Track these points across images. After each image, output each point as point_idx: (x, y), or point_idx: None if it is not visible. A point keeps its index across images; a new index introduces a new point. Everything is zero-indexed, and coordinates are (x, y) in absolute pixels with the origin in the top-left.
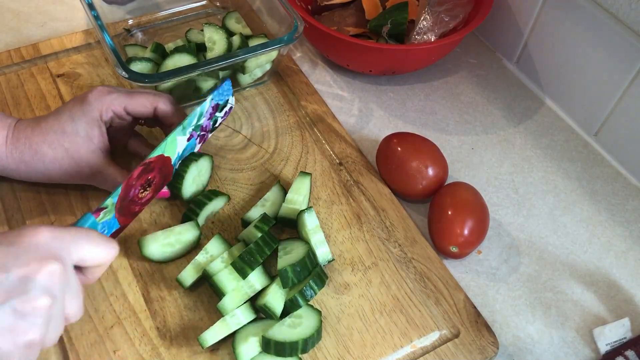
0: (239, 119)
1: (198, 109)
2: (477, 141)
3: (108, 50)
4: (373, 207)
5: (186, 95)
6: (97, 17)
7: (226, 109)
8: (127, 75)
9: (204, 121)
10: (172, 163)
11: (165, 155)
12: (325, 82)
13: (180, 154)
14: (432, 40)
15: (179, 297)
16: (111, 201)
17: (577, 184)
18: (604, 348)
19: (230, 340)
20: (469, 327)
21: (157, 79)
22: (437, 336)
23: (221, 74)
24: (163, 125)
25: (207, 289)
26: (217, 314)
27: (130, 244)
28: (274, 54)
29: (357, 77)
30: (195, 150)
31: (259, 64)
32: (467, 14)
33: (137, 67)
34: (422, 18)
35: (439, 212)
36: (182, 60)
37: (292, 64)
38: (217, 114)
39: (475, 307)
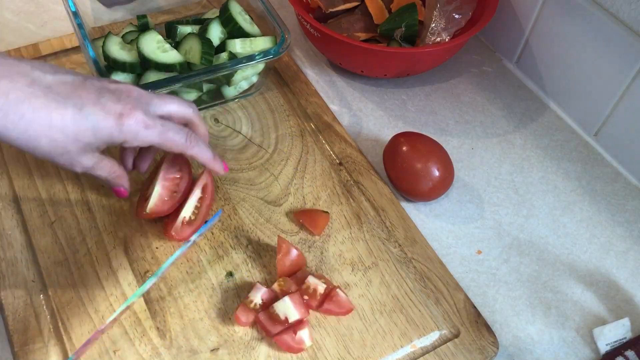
0: (239, 119)
1: (173, 256)
2: (477, 141)
3: (90, 60)
4: (373, 207)
5: None
6: (80, 26)
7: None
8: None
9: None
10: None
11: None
12: (325, 82)
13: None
14: (447, 39)
15: (179, 297)
16: None
17: (577, 184)
18: (604, 348)
19: (229, 341)
20: (469, 327)
21: None
22: (437, 336)
23: (205, 86)
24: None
25: (207, 289)
26: (217, 315)
27: (130, 244)
28: (260, 66)
29: (357, 77)
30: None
31: (245, 76)
32: (473, 11)
33: (119, 77)
34: (433, 18)
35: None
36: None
37: (292, 64)
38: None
39: (475, 307)
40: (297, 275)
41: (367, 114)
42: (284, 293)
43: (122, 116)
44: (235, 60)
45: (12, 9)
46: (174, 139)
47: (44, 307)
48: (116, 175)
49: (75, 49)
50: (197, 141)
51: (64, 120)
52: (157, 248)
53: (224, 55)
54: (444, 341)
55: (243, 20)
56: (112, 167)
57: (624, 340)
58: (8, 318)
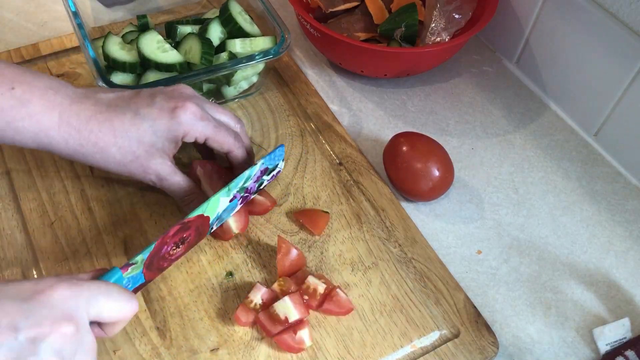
0: None
1: (246, 172)
2: (477, 141)
3: (90, 60)
4: (373, 207)
5: None
6: (80, 26)
7: (274, 172)
8: (107, 88)
9: (250, 184)
10: (210, 222)
11: (205, 215)
12: (325, 82)
13: (219, 214)
14: (447, 39)
15: (179, 297)
16: (141, 257)
17: (577, 184)
18: (604, 348)
19: (229, 341)
20: (469, 327)
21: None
22: (437, 336)
23: (205, 86)
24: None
25: (207, 289)
26: (217, 315)
27: (130, 244)
28: (260, 66)
29: (357, 77)
30: (236, 210)
31: (245, 76)
32: (473, 11)
33: (119, 78)
34: (433, 18)
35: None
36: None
37: (292, 64)
38: (265, 177)
39: (475, 307)
40: (297, 275)
41: (367, 114)
42: (284, 293)
43: (176, 109)
44: (235, 60)
45: (12, 8)
46: (226, 136)
47: None
48: (193, 197)
49: (75, 49)
50: (242, 145)
51: (124, 124)
52: None
53: (224, 55)
54: (444, 341)
55: (243, 20)
56: (187, 184)
57: (624, 340)
58: None
